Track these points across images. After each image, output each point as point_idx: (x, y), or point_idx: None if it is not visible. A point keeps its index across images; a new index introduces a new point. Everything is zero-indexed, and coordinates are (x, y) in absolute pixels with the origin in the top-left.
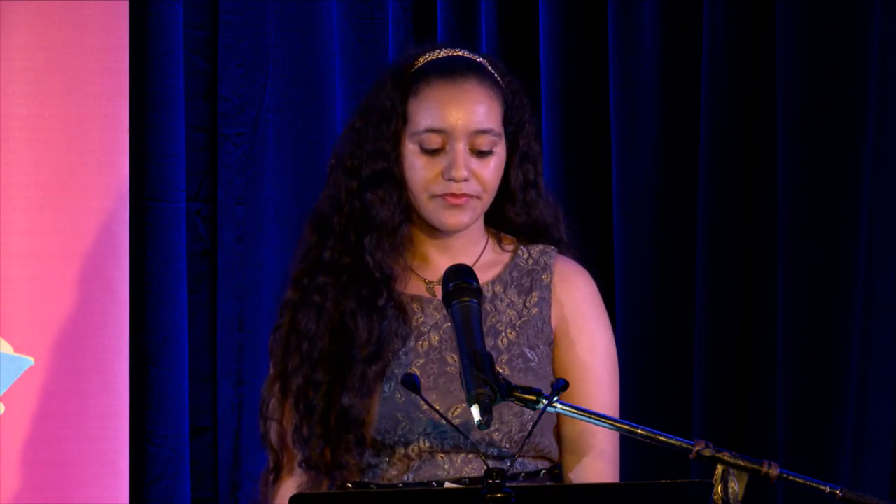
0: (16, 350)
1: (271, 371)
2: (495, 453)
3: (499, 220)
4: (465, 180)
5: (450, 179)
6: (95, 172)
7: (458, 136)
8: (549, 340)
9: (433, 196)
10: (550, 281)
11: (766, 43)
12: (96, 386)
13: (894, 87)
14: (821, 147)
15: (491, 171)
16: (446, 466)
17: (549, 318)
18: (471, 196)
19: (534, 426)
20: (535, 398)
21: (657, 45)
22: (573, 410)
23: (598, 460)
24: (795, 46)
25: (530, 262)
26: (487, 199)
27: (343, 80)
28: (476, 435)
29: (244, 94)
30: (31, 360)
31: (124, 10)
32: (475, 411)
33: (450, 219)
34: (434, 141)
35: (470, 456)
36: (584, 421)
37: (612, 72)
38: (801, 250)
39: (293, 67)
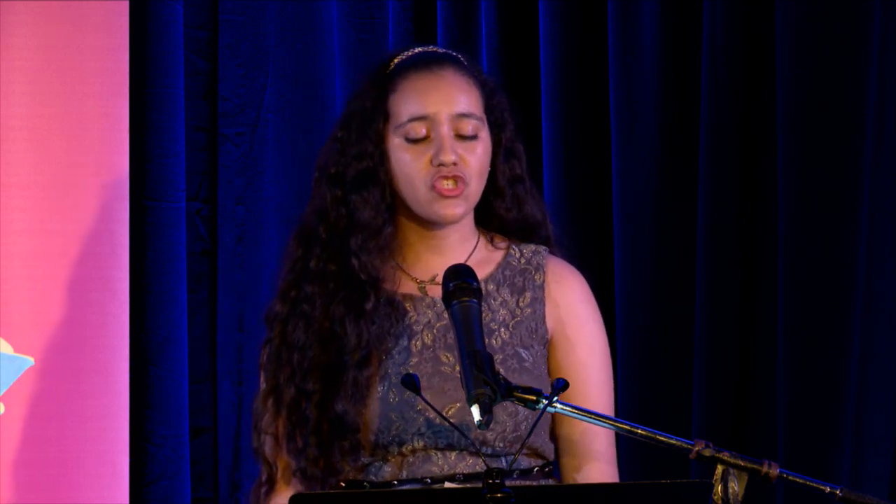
0: (16, 350)
1: (263, 385)
2: (489, 452)
3: (490, 218)
4: (454, 164)
5: (439, 164)
6: (95, 172)
7: (441, 120)
8: (543, 340)
9: (430, 188)
10: (543, 281)
11: (766, 43)
12: (96, 386)
13: (894, 87)
14: (821, 147)
15: (478, 156)
16: (440, 463)
17: (544, 317)
18: (461, 179)
19: (533, 426)
20: (535, 398)
21: (657, 45)
22: (573, 410)
23: (600, 462)
24: (795, 46)
25: (522, 261)
26: (476, 186)
27: (343, 81)
28: (469, 434)
29: (244, 94)
30: (31, 360)
31: (124, 10)
32: (475, 411)
33: (444, 209)
34: (418, 129)
35: (464, 453)
36: (584, 421)
37: (612, 72)
38: (801, 250)
39: (293, 67)
